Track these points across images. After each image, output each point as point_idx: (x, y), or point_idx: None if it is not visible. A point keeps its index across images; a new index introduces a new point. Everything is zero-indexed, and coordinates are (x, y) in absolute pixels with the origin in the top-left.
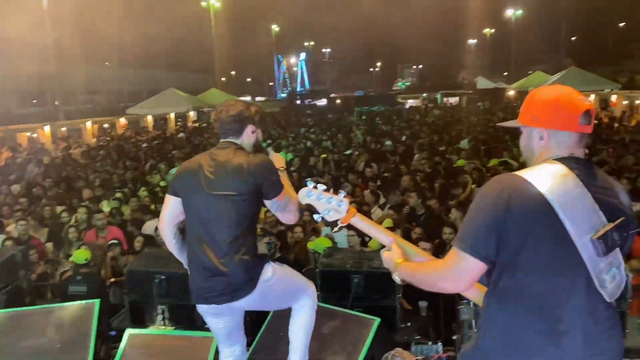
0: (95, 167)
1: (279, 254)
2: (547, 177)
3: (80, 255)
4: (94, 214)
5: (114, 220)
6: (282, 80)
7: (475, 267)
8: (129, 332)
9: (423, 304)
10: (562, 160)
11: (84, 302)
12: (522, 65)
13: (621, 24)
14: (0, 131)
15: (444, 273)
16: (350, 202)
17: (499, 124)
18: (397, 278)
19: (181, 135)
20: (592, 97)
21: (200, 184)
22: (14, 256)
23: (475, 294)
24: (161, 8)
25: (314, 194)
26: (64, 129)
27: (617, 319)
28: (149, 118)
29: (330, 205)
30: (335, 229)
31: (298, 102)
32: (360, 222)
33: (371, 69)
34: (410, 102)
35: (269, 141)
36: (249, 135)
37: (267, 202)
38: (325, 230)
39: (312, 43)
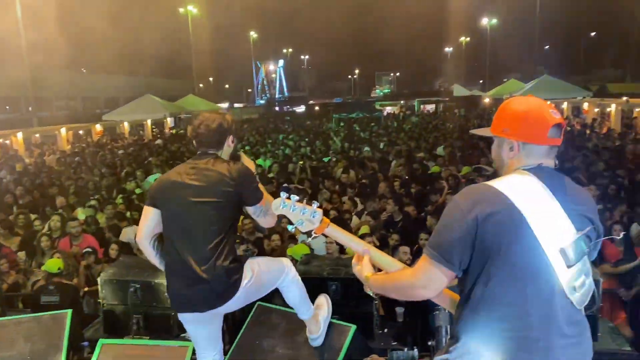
0: (70, 174)
1: None
2: (517, 187)
3: (53, 264)
4: (68, 221)
5: (89, 229)
6: (260, 86)
7: (445, 275)
8: (102, 342)
9: (400, 310)
10: (531, 170)
11: (55, 312)
12: (497, 73)
13: (592, 34)
14: None
15: (414, 281)
16: (331, 209)
17: (472, 130)
18: (369, 291)
19: (158, 141)
20: (565, 104)
21: (181, 192)
22: None
23: (447, 301)
24: (138, 14)
25: (287, 204)
26: (37, 135)
27: (586, 325)
28: (125, 124)
29: (304, 215)
30: (310, 239)
31: (276, 108)
32: (334, 232)
33: (349, 76)
34: (388, 109)
35: (247, 147)
36: (229, 145)
37: (249, 209)
38: (302, 237)
39: (290, 50)
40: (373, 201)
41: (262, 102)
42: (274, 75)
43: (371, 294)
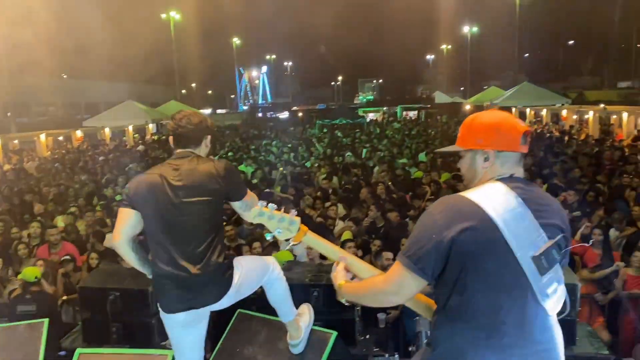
0: (49, 181)
1: None
2: (490, 197)
3: (30, 272)
4: (47, 229)
5: (68, 237)
6: (243, 92)
7: (417, 282)
8: (79, 351)
9: (381, 316)
10: (503, 180)
11: (31, 321)
12: (478, 80)
13: (570, 42)
14: None
15: (386, 288)
16: (318, 216)
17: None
18: (342, 300)
19: (140, 147)
20: (544, 111)
21: (166, 194)
22: None
23: (422, 307)
24: (120, 19)
25: (265, 213)
26: (16, 141)
27: (558, 330)
28: (107, 130)
29: (282, 224)
30: (287, 246)
31: (260, 114)
32: (312, 239)
33: (333, 83)
34: (371, 116)
35: (230, 154)
36: (207, 145)
37: (235, 204)
38: (286, 243)
39: (273, 56)
40: (357, 208)
41: (245, 108)
42: (257, 82)
43: (344, 302)
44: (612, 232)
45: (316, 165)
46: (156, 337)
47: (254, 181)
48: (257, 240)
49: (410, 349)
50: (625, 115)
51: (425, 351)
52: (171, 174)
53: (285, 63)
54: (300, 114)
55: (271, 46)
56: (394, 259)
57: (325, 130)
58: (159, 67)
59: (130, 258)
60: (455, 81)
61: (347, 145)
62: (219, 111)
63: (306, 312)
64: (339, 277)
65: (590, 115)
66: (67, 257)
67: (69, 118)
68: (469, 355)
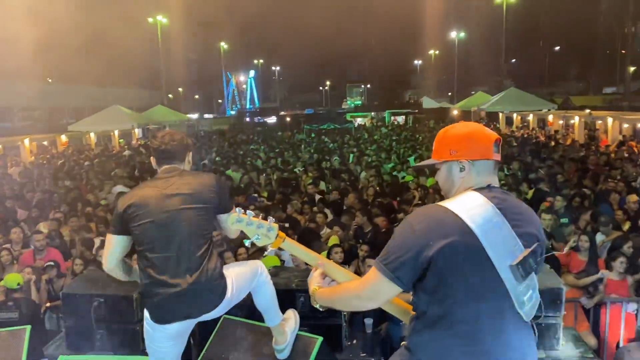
0: (33, 186)
1: None
2: (469, 207)
3: (12, 279)
4: (33, 234)
5: (52, 242)
6: (231, 97)
7: (392, 289)
8: (62, 358)
9: (369, 321)
10: (480, 190)
11: (13, 328)
12: (465, 86)
13: (556, 48)
14: None
15: (361, 293)
16: (306, 221)
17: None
18: (317, 305)
19: (126, 152)
20: (531, 116)
21: (162, 203)
22: None
23: (400, 311)
24: (106, 23)
25: (244, 219)
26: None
27: (533, 336)
28: (92, 135)
29: (260, 230)
30: (265, 253)
31: (247, 119)
32: (290, 246)
33: (321, 88)
34: (358, 121)
35: (217, 159)
36: (189, 162)
37: (222, 217)
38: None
39: (261, 61)
40: (347, 214)
41: (232, 112)
42: (244, 86)
43: (318, 307)
44: (599, 237)
45: (302, 169)
46: (141, 343)
47: (242, 186)
48: (241, 245)
49: None
50: (610, 120)
51: (403, 354)
52: (164, 185)
53: (273, 68)
54: (288, 119)
55: (259, 51)
56: None
57: (313, 135)
58: (146, 71)
59: (120, 276)
60: (442, 86)
61: (334, 150)
62: (206, 116)
63: (292, 317)
64: (313, 282)
65: (576, 120)
66: (51, 263)
67: (53, 123)
68: None
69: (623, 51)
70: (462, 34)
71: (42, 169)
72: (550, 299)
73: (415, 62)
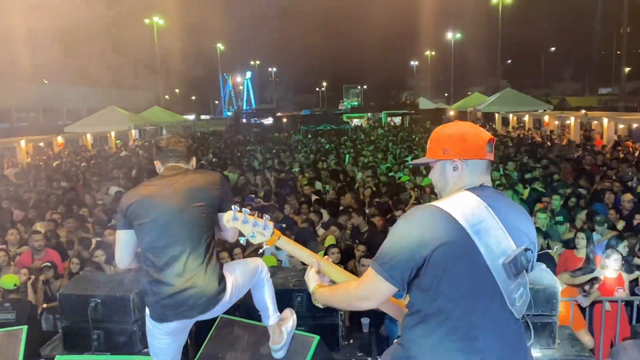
0: (30, 187)
1: None
2: (463, 207)
3: (9, 280)
4: (31, 235)
5: (49, 243)
6: (227, 98)
7: (389, 289)
8: (59, 358)
9: (365, 320)
10: (473, 190)
11: (10, 329)
12: (461, 86)
13: (552, 49)
14: None
15: (359, 293)
16: (303, 221)
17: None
18: (317, 303)
19: (123, 153)
20: (527, 117)
21: (166, 201)
22: None
23: (395, 310)
24: (103, 24)
25: (239, 217)
26: None
27: (523, 334)
28: (88, 136)
29: (256, 228)
30: (261, 250)
31: (244, 120)
32: (286, 244)
33: (317, 89)
34: (355, 122)
35: (214, 160)
36: (193, 166)
37: (222, 216)
38: (270, 248)
39: (258, 62)
40: (345, 215)
41: (229, 114)
42: (241, 87)
43: (319, 306)
44: (594, 236)
45: (297, 170)
46: (138, 344)
47: (238, 186)
48: (237, 246)
49: None
50: (605, 121)
51: (396, 350)
52: (168, 183)
53: (270, 69)
54: (284, 120)
55: (255, 52)
56: None
57: (309, 136)
58: (142, 72)
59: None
60: (438, 87)
61: (330, 150)
62: (203, 117)
63: (289, 317)
64: (312, 281)
65: (571, 121)
66: (48, 264)
67: (50, 124)
68: (441, 358)
69: (618, 52)
70: (458, 35)
71: (39, 170)
72: (545, 297)
73: (412, 63)
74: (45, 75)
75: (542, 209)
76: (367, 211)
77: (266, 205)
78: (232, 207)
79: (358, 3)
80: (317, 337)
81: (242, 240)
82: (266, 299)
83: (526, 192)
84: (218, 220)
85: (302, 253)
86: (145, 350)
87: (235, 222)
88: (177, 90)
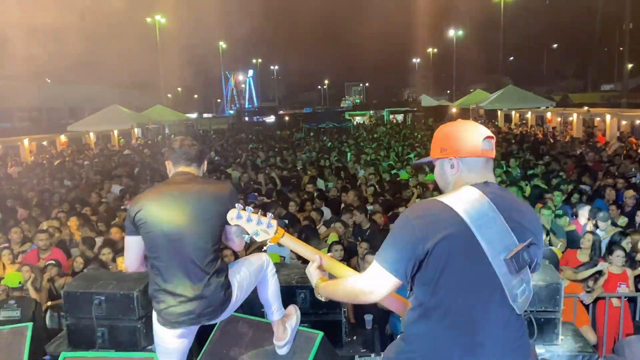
0: (33, 186)
1: None
2: (464, 201)
3: (14, 278)
4: (36, 234)
5: (54, 242)
6: (230, 97)
7: (392, 283)
8: (64, 355)
9: (368, 317)
10: (476, 186)
11: (15, 326)
12: (464, 83)
13: (554, 46)
14: None
15: (364, 286)
16: (305, 218)
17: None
18: (320, 297)
19: (127, 152)
20: (529, 114)
21: (175, 212)
22: None
23: (399, 306)
24: (105, 23)
25: (243, 215)
26: None
27: (525, 329)
28: (91, 135)
29: (260, 226)
30: (264, 248)
31: (246, 118)
32: (289, 241)
33: (319, 87)
34: (357, 119)
35: (216, 158)
36: (203, 170)
37: (229, 228)
38: (273, 246)
39: (260, 60)
40: (347, 212)
41: (231, 112)
42: (243, 86)
43: (322, 299)
44: (598, 233)
45: (300, 168)
46: (142, 341)
47: (241, 184)
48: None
49: None
50: (608, 117)
51: (399, 344)
52: (178, 191)
53: (272, 67)
54: (286, 118)
55: (257, 50)
56: None
57: (312, 134)
58: (144, 71)
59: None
60: (441, 84)
61: (332, 148)
62: (205, 115)
63: (293, 313)
64: (314, 275)
65: (574, 117)
66: (52, 262)
67: (52, 123)
68: (442, 352)
69: (621, 48)
70: (460, 32)
71: (42, 169)
72: (548, 293)
73: (414, 60)
74: (47, 74)
75: (546, 205)
76: (369, 208)
77: (268, 202)
78: (237, 205)
79: (360, 1)
80: (321, 333)
81: (246, 238)
82: (271, 295)
83: (528, 189)
84: (227, 232)
85: (304, 249)
86: (149, 347)
87: (239, 220)
88: (179, 89)
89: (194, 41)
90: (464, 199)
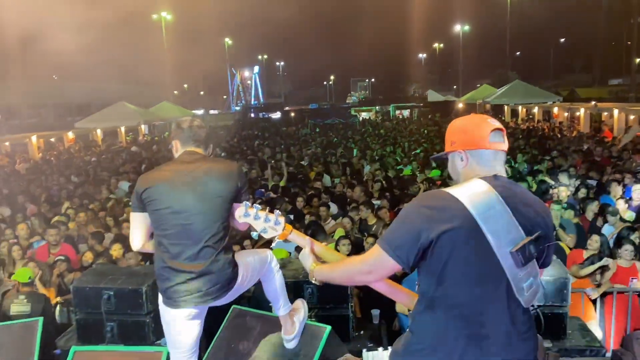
0: (41, 183)
1: None
2: (471, 193)
3: (24, 273)
4: (47, 229)
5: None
6: (235, 93)
7: (392, 267)
8: (74, 349)
9: (375, 312)
10: (485, 178)
11: (26, 320)
12: (470, 78)
13: (561, 40)
14: None
15: (363, 267)
16: (308, 213)
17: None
18: (315, 280)
19: (134, 148)
20: (536, 109)
21: (184, 189)
22: None
23: (406, 299)
24: (111, 20)
25: (250, 213)
26: (7, 143)
27: (532, 323)
28: (99, 132)
29: (268, 223)
30: (273, 244)
31: (252, 115)
32: (297, 237)
33: (325, 83)
34: (363, 115)
35: (222, 154)
36: (209, 153)
37: (237, 206)
38: (279, 242)
39: (265, 56)
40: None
41: (237, 108)
42: (249, 82)
43: (316, 283)
44: (607, 228)
45: (306, 164)
46: (151, 335)
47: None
48: (247, 238)
49: None
50: (615, 112)
51: (407, 337)
52: (186, 169)
53: (278, 63)
54: (292, 114)
55: (263, 46)
56: None
57: (318, 129)
58: (151, 68)
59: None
60: (447, 80)
61: (338, 143)
62: (211, 112)
63: (300, 308)
64: (308, 259)
65: (581, 112)
66: (61, 257)
67: (60, 120)
68: (448, 344)
69: (629, 42)
70: (467, 27)
71: (50, 165)
72: (556, 288)
73: (420, 55)
74: (54, 71)
75: (556, 200)
76: (375, 204)
77: (274, 198)
78: (244, 203)
79: None
80: (328, 327)
81: (255, 235)
82: (277, 290)
83: (534, 184)
84: (233, 210)
85: (301, 240)
86: (158, 342)
87: (247, 218)
88: (185, 86)
89: (200, 38)
90: (472, 190)
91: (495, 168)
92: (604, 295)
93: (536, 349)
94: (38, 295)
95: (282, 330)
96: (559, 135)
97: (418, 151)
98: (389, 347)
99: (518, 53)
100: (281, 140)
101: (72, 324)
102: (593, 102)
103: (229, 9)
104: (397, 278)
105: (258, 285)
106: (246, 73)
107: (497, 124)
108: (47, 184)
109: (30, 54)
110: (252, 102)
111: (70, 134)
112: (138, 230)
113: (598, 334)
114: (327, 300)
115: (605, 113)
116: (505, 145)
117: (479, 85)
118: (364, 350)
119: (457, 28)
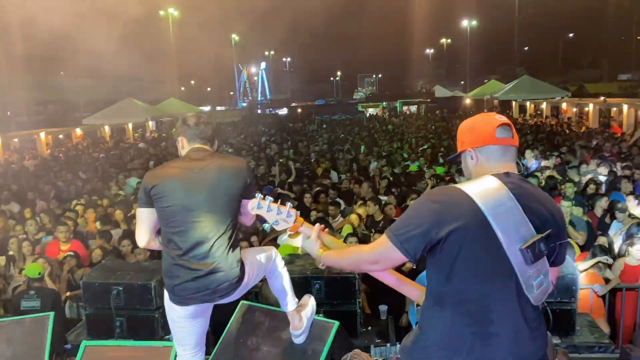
0: (50, 179)
1: None
2: (482, 190)
3: (34, 269)
4: (57, 226)
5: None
6: (242, 89)
7: (398, 258)
8: (85, 344)
9: (383, 308)
10: (497, 175)
11: (37, 315)
12: (478, 74)
13: (570, 35)
14: None
15: (370, 256)
16: (314, 209)
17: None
18: (321, 265)
19: (142, 145)
20: (544, 104)
21: (193, 186)
22: None
23: (416, 294)
24: (118, 16)
25: (263, 205)
26: (16, 140)
27: (542, 320)
28: (106, 128)
29: (280, 216)
30: (285, 236)
31: (259, 111)
32: (307, 230)
33: (332, 78)
34: (370, 111)
35: (229, 150)
36: (215, 149)
37: (245, 202)
38: (284, 237)
39: (272, 52)
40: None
41: (244, 104)
42: (256, 78)
43: (321, 267)
44: (615, 225)
45: (313, 160)
46: (159, 330)
47: (256, 176)
48: (253, 234)
49: None
50: (625, 107)
51: (416, 333)
52: (194, 167)
53: (284, 59)
54: (299, 110)
55: (270, 42)
56: None
57: (324, 125)
58: (158, 64)
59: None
60: (455, 75)
61: (345, 139)
62: (218, 108)
63: (308, 303)
64: (315, 244)
65: (590, 107)
66: (71, 253)
67: (68, 116)
68: (457, 340)
69: (638, 37)
70: (474, 22)
71: (59, 162)
72: (564, 285)
73: (427, 51)
74: (62, 68)
75: (566, 197)
76: (382, 199)
77: (280, 194)
78: (257, 195)
79: None
80: (336, 323)
81: (267, 227)
82: (283, 286)
83: (543, 180)
84: (242, 206)
85: (311, 231)
86: (167, 336)
87: (260, 209)
88: (192, 82)
89: (207, 34)
90: (483, 187)
91: (506, 164)
92: (613, 291)
93: (546, 346)
94: (48, 290)
95: (290, 326)
96: (568, 131)
97: (425, 147)
98: (397, 343)
99: (526, 48)
100: (288, 137)
101: (82, 319)
102: (602, 98)
103: (236, 5)
104: (408, 275)
105: (265, 280)
106: (253, 69)
107: (504, 119)
108: (56, 181)
109: (38, 50)
110: (259, 99)
111: (78, 131)
112: (144, 226)
113: (607, 330)
114: (334, 296)
115: (615, 108)
116: (514, 141)
117: (486, 80)
118: (372, 347)
119: (465, 23)
